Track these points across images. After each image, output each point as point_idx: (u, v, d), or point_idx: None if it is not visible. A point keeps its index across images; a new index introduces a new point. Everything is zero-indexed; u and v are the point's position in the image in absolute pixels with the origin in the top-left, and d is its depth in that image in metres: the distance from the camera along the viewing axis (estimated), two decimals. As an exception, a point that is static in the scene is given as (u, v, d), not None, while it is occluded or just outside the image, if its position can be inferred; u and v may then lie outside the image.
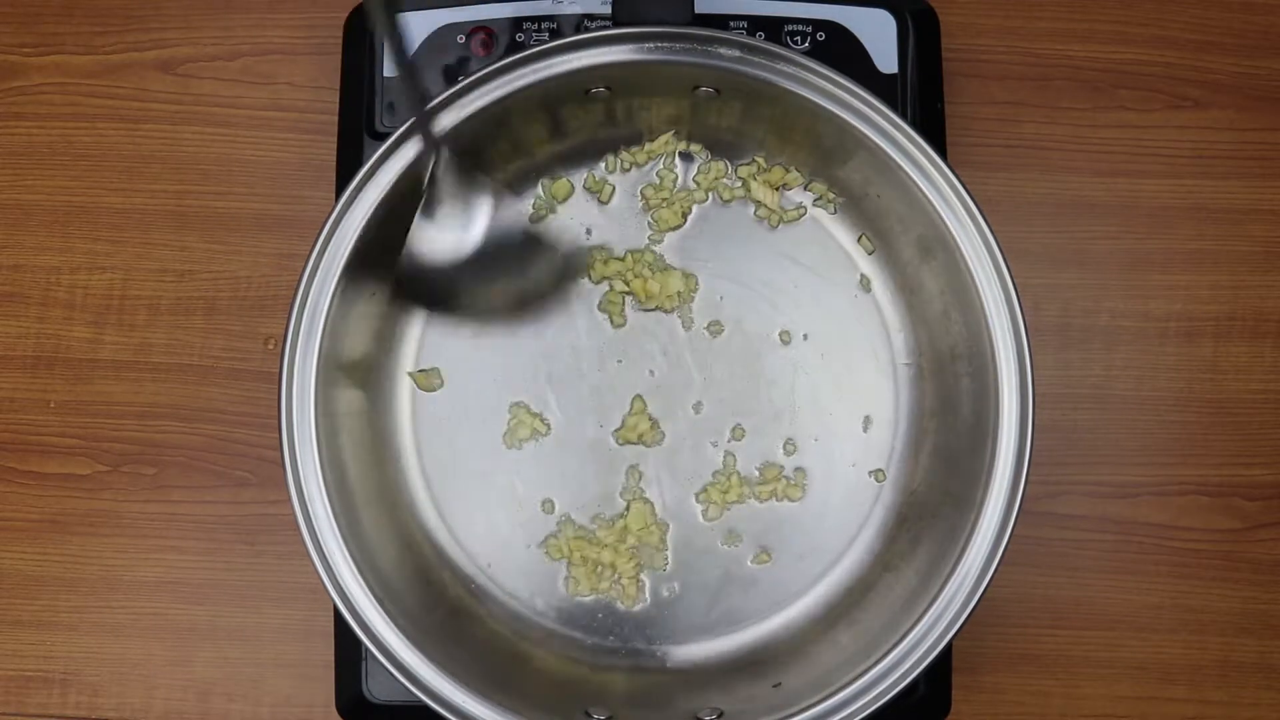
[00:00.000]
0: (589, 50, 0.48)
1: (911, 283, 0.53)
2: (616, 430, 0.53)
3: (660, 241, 0.54)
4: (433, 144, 0.45)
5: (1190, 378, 0.58)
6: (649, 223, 0.54)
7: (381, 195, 0.48)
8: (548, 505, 0.53)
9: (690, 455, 0.53)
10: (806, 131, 0.51)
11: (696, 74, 0.49)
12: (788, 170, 0.54)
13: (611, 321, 0.54)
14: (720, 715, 0.48)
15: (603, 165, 0.54)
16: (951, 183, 0.48)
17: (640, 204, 0.54)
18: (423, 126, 0.45)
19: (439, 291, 0.49)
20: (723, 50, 0.48)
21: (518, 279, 0.50)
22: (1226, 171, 0.59)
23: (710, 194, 0.54)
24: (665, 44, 0.48)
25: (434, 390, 0.54)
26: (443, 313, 0.52)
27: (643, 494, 0.53)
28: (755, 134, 0.53)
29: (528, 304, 0.52)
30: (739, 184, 0.54)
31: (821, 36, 0.54)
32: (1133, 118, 0.60)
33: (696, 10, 0.50)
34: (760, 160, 0.54)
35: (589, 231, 0.54)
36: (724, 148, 0.54)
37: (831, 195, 0.54)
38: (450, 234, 0.47)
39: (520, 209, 0.48)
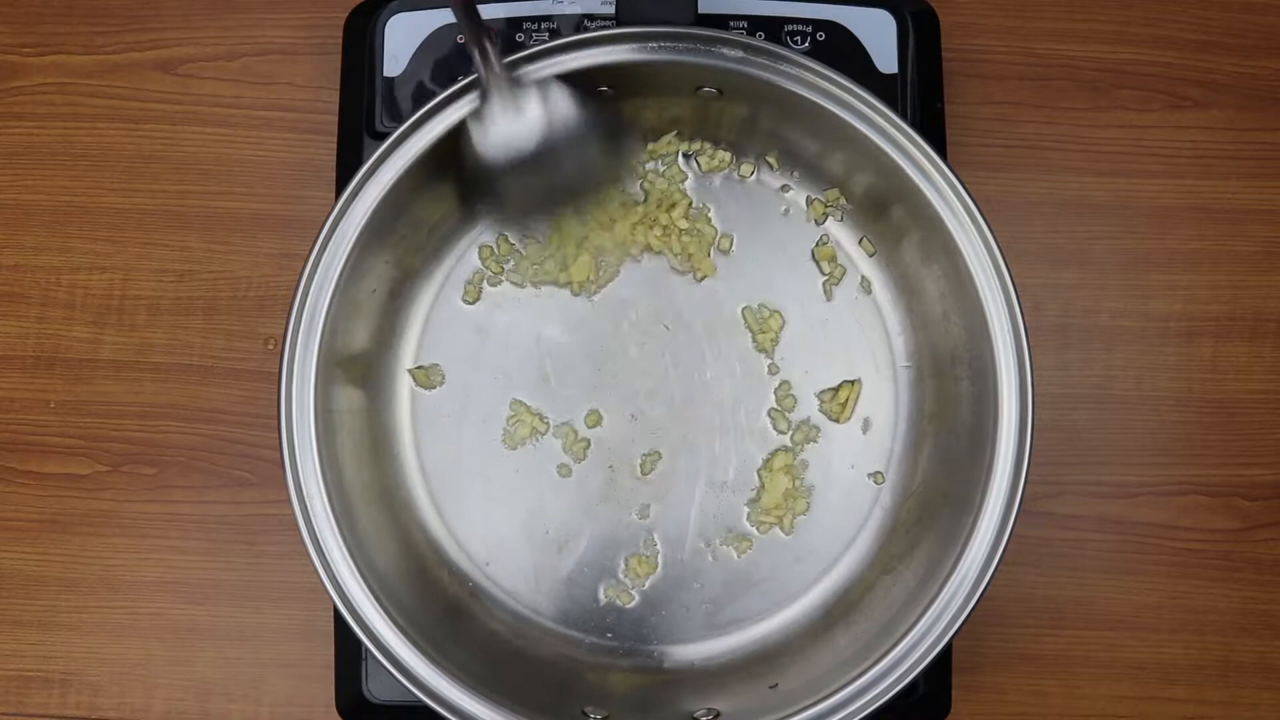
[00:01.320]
0: (590, 50, 0.48)
1: (912, 285, 0.53)
2: (616, 429, 0.53)
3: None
4: (478, 38, 0.45)
5: (1190, 378, 0.58)
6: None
7: (381, 194, 0.48)
8: (559, 473, 0.53)
9: (688, 456, 0.53)
10: (806, 131, 0.51)
11: (699, 74, 0.49)
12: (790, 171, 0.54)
13: (601, 305, 0.54)
14: (717, 716, 0.48)
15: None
16: (951, 183, 0.48)
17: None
18: (469, 19, 0.44)
19: (501, 190, 0.50)
20: (725, 50, 0.48)
21: (572, 171, 0.51)
22: (1226, 171, 0.59)
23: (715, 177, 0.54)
24: (667, 44, 0.48)
25: (434, 388, 0.54)
26: (505, 212, 0.52)
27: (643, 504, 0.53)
28: (757, 134, 0.53)
29: (579, 196, 0.53)
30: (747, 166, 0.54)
31: (821, 36, 0.54)
32: (1133, 118, 0.60)
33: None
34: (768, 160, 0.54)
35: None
36: (727, 148, 0.54)
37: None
38: (503, 133, 0.48)
39: (573, 104, 0.48)
